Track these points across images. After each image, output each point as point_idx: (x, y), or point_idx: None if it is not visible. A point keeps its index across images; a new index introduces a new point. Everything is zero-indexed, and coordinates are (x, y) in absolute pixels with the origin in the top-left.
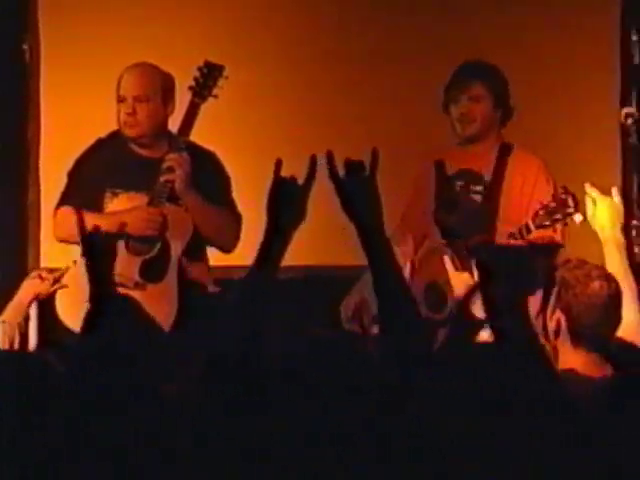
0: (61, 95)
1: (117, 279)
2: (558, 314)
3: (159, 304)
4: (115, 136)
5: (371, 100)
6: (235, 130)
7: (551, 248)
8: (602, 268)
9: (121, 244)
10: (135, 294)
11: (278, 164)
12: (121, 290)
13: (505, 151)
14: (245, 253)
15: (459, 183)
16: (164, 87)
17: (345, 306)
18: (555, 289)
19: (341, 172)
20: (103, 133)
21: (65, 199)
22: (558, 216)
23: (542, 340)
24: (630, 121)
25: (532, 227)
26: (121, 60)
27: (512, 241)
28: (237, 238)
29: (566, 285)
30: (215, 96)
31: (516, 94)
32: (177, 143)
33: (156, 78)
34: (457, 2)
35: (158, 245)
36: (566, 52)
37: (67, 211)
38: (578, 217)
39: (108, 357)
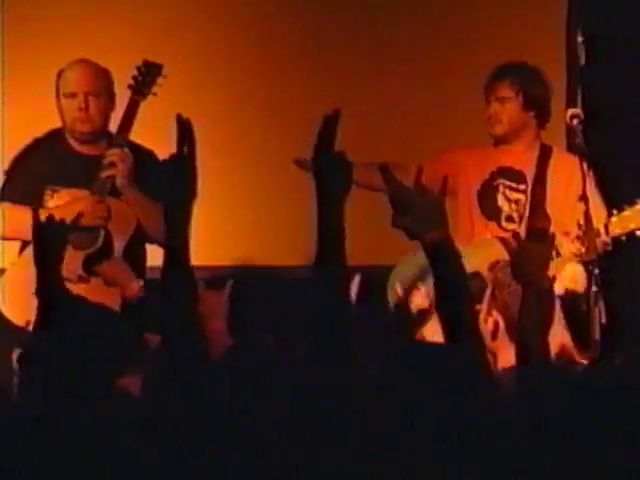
0: (20, 89)
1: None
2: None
3: (103, 297)
4: (53, 135)
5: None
6: (173, 128)
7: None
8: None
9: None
10: (79, 288)
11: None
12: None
13: (546, 151)
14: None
15: (500, 180)
16: (109, 83)
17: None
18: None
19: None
20: (43, 130)
21: (3, 196)
22: (632, 226)
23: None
24: (576, 122)
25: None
26: (56, 58)
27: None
28: None
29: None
30: (154, 94)
31: None
32: (118, 140)
33: (102, 74)
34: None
35: (101, 239)
36: (513, 53)
37: (6, 207)
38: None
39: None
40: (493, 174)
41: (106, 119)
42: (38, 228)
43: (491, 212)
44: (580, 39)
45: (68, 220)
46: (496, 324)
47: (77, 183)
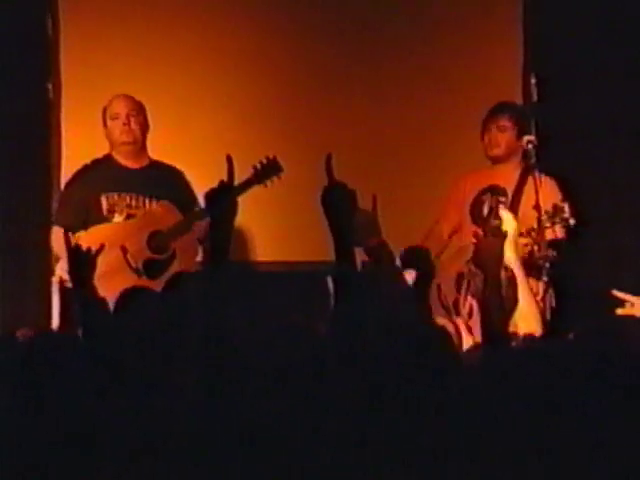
0: (78, 123)
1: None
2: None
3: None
4: (103, 158)
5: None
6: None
7: (557, 243)
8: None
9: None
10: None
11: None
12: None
13: (526, 172)
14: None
15: (487, 195)
16: (144, 110)
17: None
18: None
19: None
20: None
21: (56, 220)
22: (556, 219)
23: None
24: (530, 146)
25: (536, 228)
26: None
27: (522, 239)
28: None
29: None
30: (265, 185)
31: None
32: (202, 214)
33: (138, 104)
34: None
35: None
36: (482, 91)
37: (57, 230)
38: (572, 221)
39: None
40: (483, 190)
41: (143, 133)
42: (70, 250)
43: (477, 219)
44: (533, 81)
45: (93, 248)
46: (471, 306)
47: (124, 189)
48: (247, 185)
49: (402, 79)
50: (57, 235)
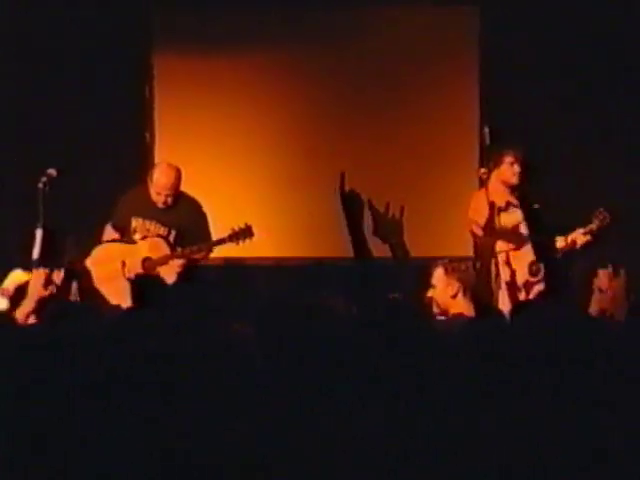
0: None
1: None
2: (456, 285)
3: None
4: (143, 187)
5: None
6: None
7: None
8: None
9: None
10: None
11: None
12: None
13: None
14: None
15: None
16: (180, 179)
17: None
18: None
19: None
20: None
21: (110, 220)
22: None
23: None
24: (485, 177)
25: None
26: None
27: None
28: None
29: (457, 267)
30: (237, 244)
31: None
32: (209, 245)
33: (177, 175)
34: None
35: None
36: (439, 141)
37: (109, 227)
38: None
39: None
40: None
41: (174, 197)
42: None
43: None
44: (486, 130)
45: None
46: (457, 289)
47: (147, 217)
48: (221, 242)
49: (389, 119)
50: (107, 230)
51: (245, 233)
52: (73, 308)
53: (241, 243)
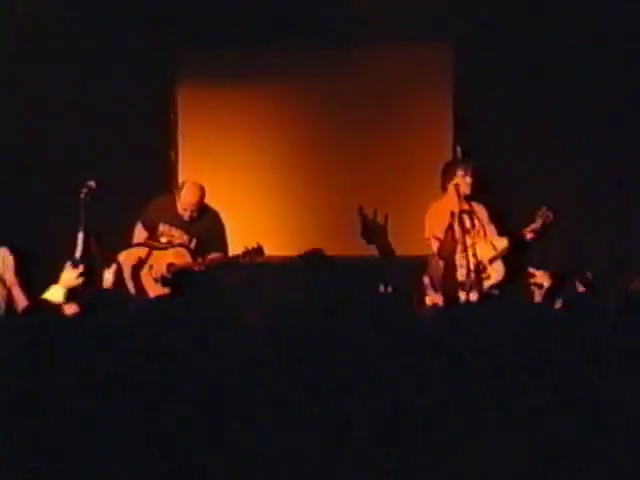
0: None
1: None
2: (426, 278)
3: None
4: (171, 197)
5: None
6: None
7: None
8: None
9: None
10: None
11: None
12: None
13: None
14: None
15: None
16: (204, 196)
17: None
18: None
19: None
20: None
21: (141, 221)
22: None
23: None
24: (457, 187)
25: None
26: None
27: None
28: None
29: (430, 262)
30: (245, 260)
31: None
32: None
33: (201, 192)
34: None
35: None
36: (419, 158)
37: (139, 226)
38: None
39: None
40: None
41: (199, 212)
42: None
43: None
44: (459, 149)
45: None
46: (428, 281)
47: (173, 224)
48: (235, 259)
49: (377, 139)
50: (138, 228)
51: (256, 252)
52: (108, 296)
53: (252, 261)
